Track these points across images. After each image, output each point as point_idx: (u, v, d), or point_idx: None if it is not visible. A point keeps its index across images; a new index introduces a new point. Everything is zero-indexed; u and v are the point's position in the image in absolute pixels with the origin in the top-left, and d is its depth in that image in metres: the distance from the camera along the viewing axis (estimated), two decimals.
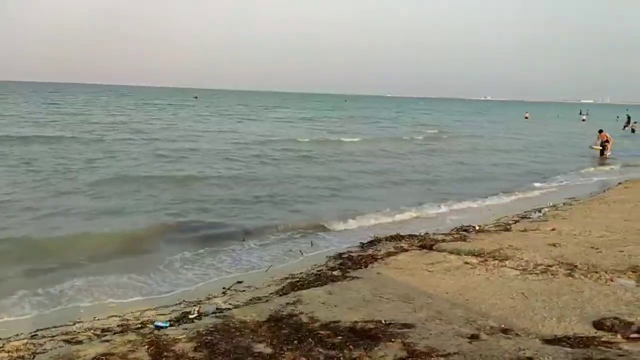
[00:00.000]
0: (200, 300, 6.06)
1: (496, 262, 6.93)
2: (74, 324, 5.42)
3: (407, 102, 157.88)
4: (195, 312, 5.55)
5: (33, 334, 5.17)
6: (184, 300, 6.06)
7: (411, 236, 8.92)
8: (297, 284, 6.46)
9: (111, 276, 6.90)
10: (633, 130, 41.25)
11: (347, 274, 6.73)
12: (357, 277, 6.51)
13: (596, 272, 6.25)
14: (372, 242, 8.65)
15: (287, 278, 6.86)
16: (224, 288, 6.53)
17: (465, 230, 9.35)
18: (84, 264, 7.33)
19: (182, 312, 5.61)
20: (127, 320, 5.47)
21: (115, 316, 5.60)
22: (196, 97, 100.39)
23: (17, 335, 5.14)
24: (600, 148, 23.70)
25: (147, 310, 5.75)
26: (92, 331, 5.17)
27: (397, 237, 8.84)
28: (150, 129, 28.71)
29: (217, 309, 5.66)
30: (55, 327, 5.34)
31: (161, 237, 8.64)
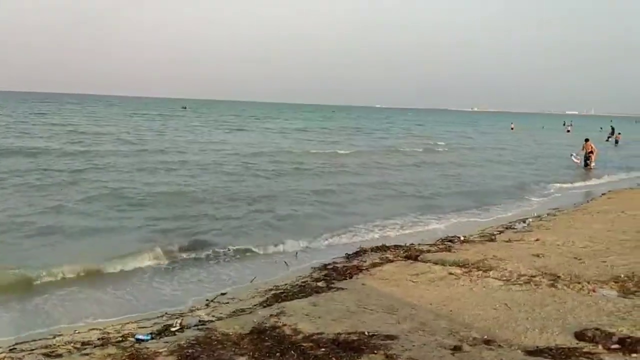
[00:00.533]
0: (183, 313, 6.00)
1: (480, 272, 6.94)
2: (54, 338, 5.34)
3: (396, 113, 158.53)
4: (178, 324, 5.49)
5: (12, 347, 5.09)
6: (166, 313, 6.00)
7: (396, 247, 8.93)
8: (281, 296, 6.43)
9: (92, 289, 6.82)
10: (617, 142, 41.77)
11: (332, 285, 6.71)
12: (342, 288, 6.49)
13: (579, 283, 6.29)
14: (358, 253, 8.65)
15: (271, 289, 6.82)
16: (207, 300, 6.48)
17: (450, 241, 9.37)
18: (64, 277, 7.22)
19: (164, 325, 5.54)
20: (108, 333, 5.39)
21: (96, 329, 5.52)
22: (185, 108, 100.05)
23: None
24: (579, 159, 23.97)
25: (128, 323, 5.68)
26: (72, 344, 5.08)
27: (383, 248, 8.84)
28: (141, 141, 28.46)
29: (199, 321, 5.60)
30: (34, 340, 5.25)
31: (146, 251, 8.54)
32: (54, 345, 5.13)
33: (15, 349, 5.06)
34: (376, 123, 69.56)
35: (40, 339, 5.29)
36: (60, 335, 5.39)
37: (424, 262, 7.76)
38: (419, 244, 9.14)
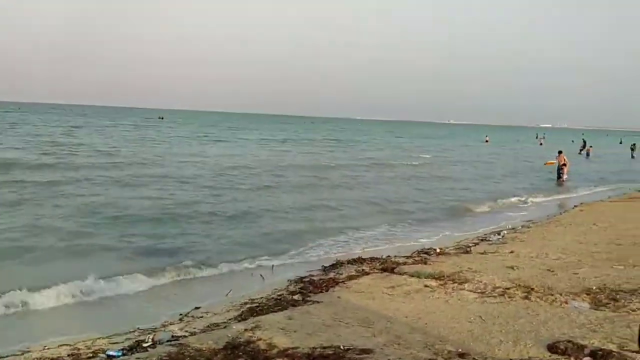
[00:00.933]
0: (156, 328, 5.88)
1: (455, 285, 6.98)
2: (22, 354, 5.20)
3: (376, 124, 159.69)
4: (150, 340, 5.38)
5: None
6: (138, 328, 5.88)
7: (373, 259, 8.93)
8: (256, 309, 6.36)
9: (62, 305, 6.67)
10: (588, 154, 42.64)
11: (308, 298, 6.68)
12: (318, 302, 6.46)
13: (552, 295, 6.36)
14: (334, 266, 8.62)
15: (246, 303, 6.75)
16: (180, 315, 6.38)
17: (426, 253, 9.41)
18: (31, 292, 7.02)
19: (136, 341, 5.43)
20: (78, 349, 5.26)
21: (66, 345, 5.38)
22: (162, 118, 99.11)
23: None
24: (554, 162, 24.28)
25: (99, 339, 5.55)
26: None
27: (359, 260, 8.83)
28: (117, 152, 27.91)
29: (172, 336, 5.50)
30: (2, 357, 5.10)
31: (119, 266, 8.39)
32: None
33: None
34: (358, 135, 69.77)
35: (8, 356, 5.15)
36: (29, 351, 5.25)
37: (400, 274, 7.77)
38: (395, 256, 9.16)
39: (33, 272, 7.93)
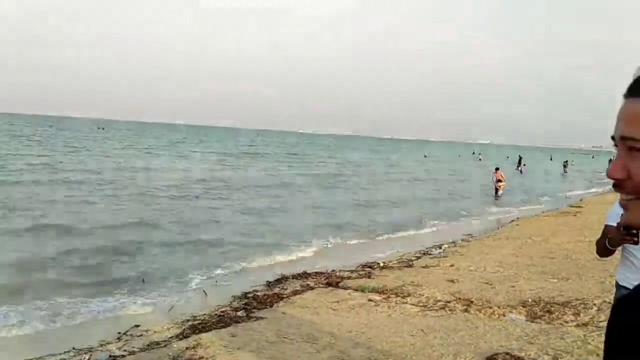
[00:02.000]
0: (92, 347, 5.65)
1: (398, 298, 7.09)
2: None
3: (319, 137, 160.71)
4: None
5: None
6: (73, 348, 5.62)
7: (318, 274, 8.94)
8: (198, 327, 6.22)
9: None
10: (521, 172, 44.53)
11: (252, 314, 6.60)
12: (262, 318, 6.39)
13: (490, 308, 6.56)
14: (279, 280, 8.57)
15: (188, 320, 6.59)
16: (119, 333, 6.15)
17: (370, 267, 9.51)
18: None
19: None
20: None
21: None
22: (103, 129, 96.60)
23: None
24: (497, 181, 25.10)
25: (31, 359, 5.27)
26: None
27: (304, 275, 8.83)
28: (62, 167, 26.52)
29: (110, 356, 5.31)
30: None
31: (46, 274, 8.02)
32: None
33: None
34: (300, 148, 69.99)
35: None
36: None
37: (344, 288, 7.81)
38: (340, 270, 9.21)
39: None
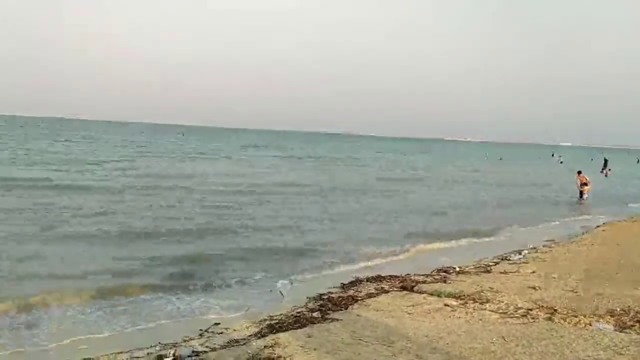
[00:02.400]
0: (176, 343, 5.91)
1: (476, 304, 6.91)
2: None
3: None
4: (171, 355, 5.41)
5: None
6: (159, 342, 5.90)
7: (392, 277, 8.88)
8: (275, 326, 6.35)
9: (83, 317, 6.75)
10: (606, 175, 42.07)
11: (327, 316, 6.66)
12: (337, 319, 6.43)
13: (575, 316, 6.27)
14: (353, 283, 8.59)
15: (265, 320, 6.74)
16: (200, 330, 6.39)
17: (445, 272, 9.34)
18: (60, 304, 7.13)
19: (157, 355, 5.45)
20: None
21: (87, 358, 5.43)
22: (182, 134, 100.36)
23: None
24: (581, 190, 23.93)
25: (120, 353, 5.59)
26: None
27: (378, 278, 8.80)
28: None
29: (193, 351, 5.52)
30: None
31: (136, 280, 8.47)
32: None
33: None
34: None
35: None
36: None
37: (419, 293, 7.72)
38: (415, 274, 9.10)
39: (50, 282, 8.05)
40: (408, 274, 9.13)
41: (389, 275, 8.99)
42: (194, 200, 17.53)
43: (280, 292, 8.26)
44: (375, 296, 7.61)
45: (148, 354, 5.58)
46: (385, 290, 7.99)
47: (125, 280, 8.40)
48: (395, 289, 8.02)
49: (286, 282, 8.84)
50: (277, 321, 6.61)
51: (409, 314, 6.63)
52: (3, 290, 7.48)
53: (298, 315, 6.84)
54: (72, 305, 7.16)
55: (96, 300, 7.44)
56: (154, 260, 9.75)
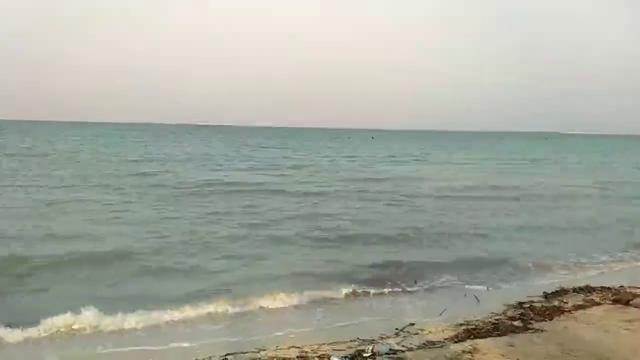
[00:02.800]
0: (374, 339, 6.10)
1: None
2: (259, 352, 5.83)
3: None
4: (369, 351, 5.61)
5: (224, 357, 5.68)
6: (358, 338, 6.16)
7: (604, 289, 8.06)
8: (472, 332, 6.20)
9: (293, 312, 7.39)
10: None
11: (530, 326, 6.29)
12: (541, 330, 6.04)
13: None
14: (557, 293, 7.99)
15: (461, 324, 6.61)
16: (396, 329, 6.51)
17: None
18: (270, 299, 7.84)
19: (357, 350, 5.70)
20: (306, 352, 5.72)
21: (295, 347, 5.89)
22: (372, 138, 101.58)
23: (210, 357, 5.69)
24: None
25: (324, 344, 5.96)
26: (274, 359, 5.52)
27: (587, 289, 8.06)
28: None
29: (390, 349, 5.65)
30: (243, 352, 5.79)
31: (335, 276, 8.94)
32: (259, 358, 5.62)
33: (227, 358, 5.65)
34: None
35: (247, 352, 5.82)
36: (264, 350, 5.87)
37: (637, 307, 6.87)
38: (631, 287, 8.12)
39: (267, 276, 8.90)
40: (622, 286, 8.19)
41: (600, 287, 8.16)
42: (398, 203, 17.62)
43: (476, 297, 8.02)
44: (583, 308, 6.99)
45: (348, 347, 5.86)
46: (596, 302, 7.29)
47: (327, 281, 8.86)
48: (608, 302, 7.27)
49: (482, 287, 8.55)
50: (474, 326, 6.44)
51: (626, 330, 5.96)
52: (224, 287, 8.42)
53: (497, 322, 6.58)
54: (283, 302, 7.80)
55: (303, 298, 7.99)
56: (355, 264, 10.04)
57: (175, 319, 7.05)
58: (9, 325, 6.55)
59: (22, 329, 6.48)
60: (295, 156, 42.71)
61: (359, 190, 20.54)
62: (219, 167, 29.90)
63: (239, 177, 24.61)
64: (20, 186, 18.65)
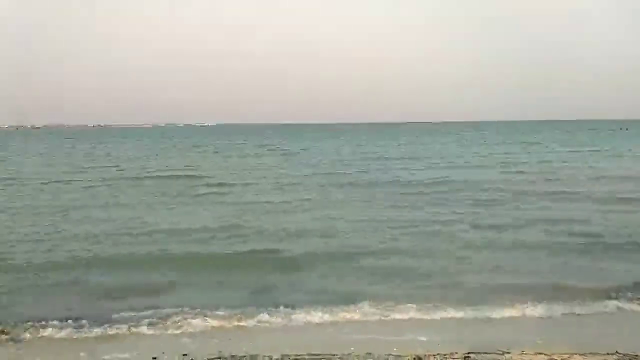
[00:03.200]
0: (637, 356, 5.47)
1: None
2: (503, 354, 5.72)
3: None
4: None
5: (466, 355, 5.69)
6: (616, 352, 5.60)
7: None
8: None
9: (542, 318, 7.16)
10: None
11: None
12: None
13: None
14: None
15: None
16: None
17: None
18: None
19: None
20: None
21: (543, 354, 5.63)
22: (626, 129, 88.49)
23: (452, 353, 5.74)
24: None
25: (575, 354, 5.56)
26: None
27: None
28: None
29: None
30: (487, 353, 5.73)
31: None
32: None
33: (469, 356, 5.65)
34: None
35: (490, 353, 5.74)
36: (508, 352, 5.73)
37: None
38: None
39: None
40: None
41: None
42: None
43: None
44: None
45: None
46: None
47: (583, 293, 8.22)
48: None
49: None
50: None
51: None
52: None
53: None
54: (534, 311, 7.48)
55: (557, 308, 7.58)
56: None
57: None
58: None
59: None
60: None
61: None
62: None
63: None
64: None
